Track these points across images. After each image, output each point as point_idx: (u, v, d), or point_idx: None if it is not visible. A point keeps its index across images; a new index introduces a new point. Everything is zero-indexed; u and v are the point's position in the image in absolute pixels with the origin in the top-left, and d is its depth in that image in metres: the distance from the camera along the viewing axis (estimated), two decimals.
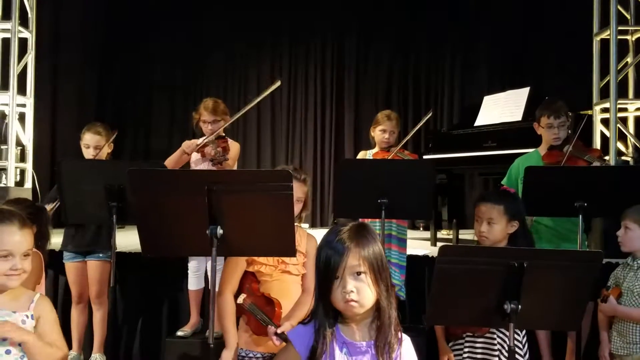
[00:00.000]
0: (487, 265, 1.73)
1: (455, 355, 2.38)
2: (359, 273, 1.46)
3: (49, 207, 3.17)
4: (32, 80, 5.45)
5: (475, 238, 2.47)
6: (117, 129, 3.55)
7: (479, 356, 2.31)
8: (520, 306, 1.70)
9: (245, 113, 3.59)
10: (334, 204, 6.15)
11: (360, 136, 6.91)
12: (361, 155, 3.99)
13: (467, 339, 2.35)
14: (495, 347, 2.28)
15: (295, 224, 2.35)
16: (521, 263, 1.69)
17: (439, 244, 3.51)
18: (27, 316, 1.83)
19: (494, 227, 2.35)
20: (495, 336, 2.29)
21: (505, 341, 2.27)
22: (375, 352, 1.48)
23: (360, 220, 3.11)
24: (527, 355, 2.32)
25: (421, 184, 2.98)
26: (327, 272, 1.46)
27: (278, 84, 3.50)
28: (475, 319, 1.87)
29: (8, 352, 1.77)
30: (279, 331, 2.15)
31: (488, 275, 1.72)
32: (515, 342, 2.27)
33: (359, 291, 1.45)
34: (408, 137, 3.63)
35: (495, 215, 2.35)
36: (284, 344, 2.11)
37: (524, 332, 2.32)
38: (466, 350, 2.34)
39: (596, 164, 3.19)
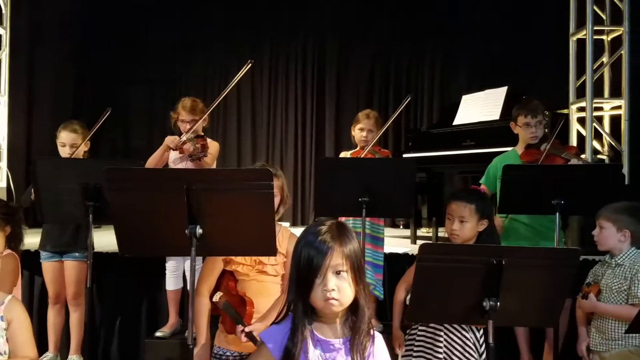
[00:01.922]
0: (466, 263, 1.74)
1: (407, 344, 2.41)
2: (339, 272, 1.46)
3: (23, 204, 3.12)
4: (7, 77, 5.35)
5: (447, 235, 2.51)
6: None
7: (428, 345, 2.34)
8: (499, 303, 1.71)
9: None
10: (315, 203, 6.14)
11: (341, 135, 6.91)
12: (342, 155, 3.98)
13: (420, 327, 2.37)
14: (441, 338, 2.30)
15: (278, 223, 2.33)
16: (500, 261, 1.70)
17: (419, 242, 3.52)
18: None
19: (465, 225, 2.40)
20: (442, 327, 2.31)
21: (452, 335, 2.29)
22: (350, 350, 1.48)
23: (340, 218, 3.13)
24: (483, 356, 2.32)
25: (402, 182, 2.98)
26: (308, 271, 1.46)
27: (249, 65, 3.41)
28: (455, 316, 1.88)
29: None
30: (247, 330, 2.14)
31: (468, 272, 1.73)
32: (472, 340, 2.29)
33: (340, 289, 1.45)
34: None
35: (467, 213, 2.39)
36: (250, 342, 2.11)
37: (481, 331, 2.33)
38: (418, 338, 2.37)
39: (574, 161, 3.23)
